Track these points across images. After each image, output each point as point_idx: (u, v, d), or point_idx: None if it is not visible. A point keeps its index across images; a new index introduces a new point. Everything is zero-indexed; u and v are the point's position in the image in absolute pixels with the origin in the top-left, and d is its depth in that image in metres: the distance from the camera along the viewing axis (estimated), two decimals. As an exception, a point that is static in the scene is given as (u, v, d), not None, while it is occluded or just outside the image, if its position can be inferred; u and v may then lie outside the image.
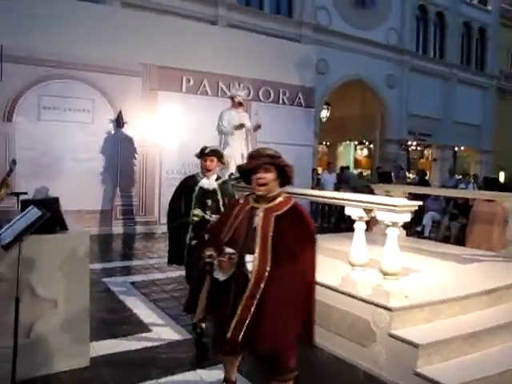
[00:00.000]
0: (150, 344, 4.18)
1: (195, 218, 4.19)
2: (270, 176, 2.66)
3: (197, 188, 4.26)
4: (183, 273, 6.68)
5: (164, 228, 10.47)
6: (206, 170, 4.30)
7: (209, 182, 4.30)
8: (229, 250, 2.68)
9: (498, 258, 6.15)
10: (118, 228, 10.21)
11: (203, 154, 4.28)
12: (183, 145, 10.70)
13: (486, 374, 3.58)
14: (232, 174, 6.89)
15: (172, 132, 10.76)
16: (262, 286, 2.56)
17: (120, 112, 10.23)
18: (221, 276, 2.70)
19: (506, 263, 5.89)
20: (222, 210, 4.13)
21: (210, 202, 4.24)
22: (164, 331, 4.51)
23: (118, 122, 10.25)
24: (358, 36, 17.46)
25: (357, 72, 17.53)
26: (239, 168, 2.86)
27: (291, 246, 2.59)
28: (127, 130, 10.36)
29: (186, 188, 4.33)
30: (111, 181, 10.23)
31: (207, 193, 4.27)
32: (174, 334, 4.46)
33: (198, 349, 4.06)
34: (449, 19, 21.34)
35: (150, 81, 10.58)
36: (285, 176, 2.73)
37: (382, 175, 9.36)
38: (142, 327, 4.59)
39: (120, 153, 10.33)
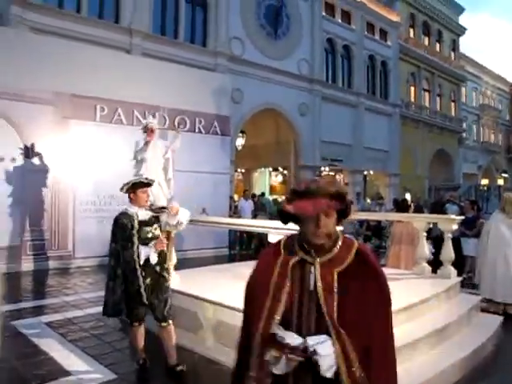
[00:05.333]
0: (70, 389, 3.91)
1: (149, 235, 4.04)
2: (332, 221, 1.89)
3: (136, 223, 4.04)
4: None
5: (79, 262, 10.05)
6: (145, 202, 4.15)
7: (145, 213, 4.15)
8: (287, 335, 1.84)
9: (411, 276, 6.52)
10: (28, 265, 9.56)
11: (144, 185, 4.14)
12: (98, 175, 10.37)
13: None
14: (152, 204, 6.73)
15: (86, 162, 10.35)
16: None
17: (32, 144, 9.73)
18: (281, 370, 1.83)
19: (418, 280, 6.28)
20: (161, 236, 4.12)
21: (150, 233, 4.10)
22: (85, 373, 4.24)
23: (27, 151, 9.72)
24: (271, 66, 18.09)
25: (271, 101, 18.07)
26: (281, 213, 1.97)
27: (356, 315, 1.85)
28: (37, 160, 9.84)
29: (126, 227, 4.04)
30: (19, 214, 9.58)
31: (146, 224, 4.11)
32: (97, 375, 4.21)
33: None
34: (355, 52, 22.80)
35: (63, 109, 10.14)
36: (344, 212, 1.95)
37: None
38: (59, 371, 4.26)
39: (29, 184, 9.75)
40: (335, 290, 1.86)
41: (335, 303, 1.84)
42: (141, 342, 4.21)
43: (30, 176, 9.77)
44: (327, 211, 1.85)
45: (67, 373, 4.24)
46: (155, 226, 4.18)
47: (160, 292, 4.10)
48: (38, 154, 9.84)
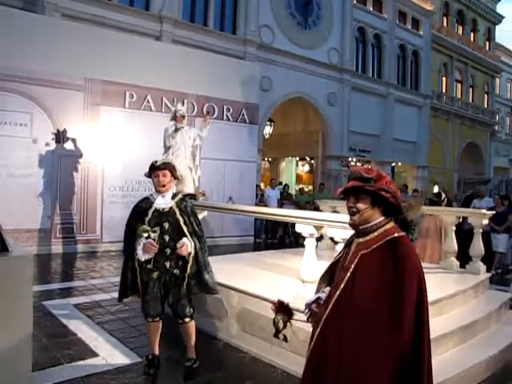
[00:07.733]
0: (97, 370, 3.98)
1: (144, 234, 3.64)
2: (361, 204, 2.03)
3: (151, 211, 3.79)
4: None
5: (106, 246, 10.25)
6: (159, 187, 3.82)
7: (164, 202, 3.84)
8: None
9: (438, 270, 6.42)
10: (57, 247, 9.79)
11: (154, 169, 3.82)
12: (126, 161, 10.52)
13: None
14: (178, 192, 6.78)
15: (114, 148, 10.50)
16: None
17: (61, 129, 9.90)
18: None
19: (446, 274, 6.19)
20: (185, 230, 3.76)
21: (167, 225, 3.76)
22: (112, 355, 4.32)
23: (58, 137, 9.90)
24: (301, 55, 17.87)
25: (300, 90, 17.90)
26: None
27: (364, 302, 1.94)
28: (68, 145, 10.02)
29: (139, 213, 3.82)
30: (50, 198, 9.81)
31: (163, 215, 3.79)
32: (123, 357, 4.29)
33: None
34: (386, 41, 22.33)
35: (93, 95, 10.28)
36: (386, 202, 2.03)
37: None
38: (87, 352, 4.38)
39: (60, 169, 9.96)
40: (350, 268, 2.01)
41: (343, 282, 2.00)
42: (154, 337, 4.01)
43: (61, 161, 9.97)
44: (357, 194, 2.05)
45: (95, 354, 4.34)
46: (171, 219, 3.80)
47: (177, 290, 3.80)
48: (69, 139, 10.02)
